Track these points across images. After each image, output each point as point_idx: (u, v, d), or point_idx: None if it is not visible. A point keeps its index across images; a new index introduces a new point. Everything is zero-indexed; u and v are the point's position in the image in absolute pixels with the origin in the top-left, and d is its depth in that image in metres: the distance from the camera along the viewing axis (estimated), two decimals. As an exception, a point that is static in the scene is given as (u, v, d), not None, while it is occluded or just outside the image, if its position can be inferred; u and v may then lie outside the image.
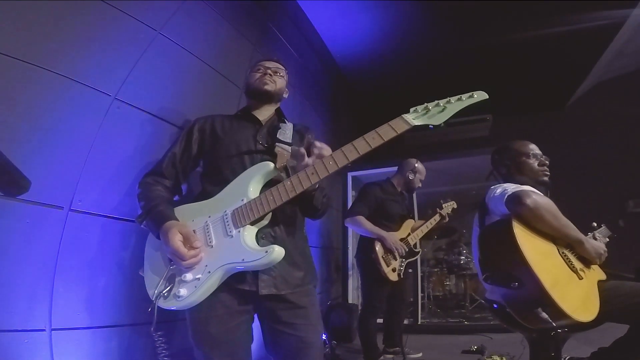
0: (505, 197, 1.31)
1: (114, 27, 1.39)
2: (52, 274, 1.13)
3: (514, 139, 1.64)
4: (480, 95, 0.97)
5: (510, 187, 1.35)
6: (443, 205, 2.78)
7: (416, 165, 2.65)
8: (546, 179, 1.54)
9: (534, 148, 1.58)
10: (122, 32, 1.42)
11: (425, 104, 0.98)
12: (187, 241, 1.02)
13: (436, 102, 0.98)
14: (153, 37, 1.54)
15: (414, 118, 0.97)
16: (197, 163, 1.31)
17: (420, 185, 2.74)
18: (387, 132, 0.95)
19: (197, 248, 1.03)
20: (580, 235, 1.34)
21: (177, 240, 1.00)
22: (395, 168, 2.78)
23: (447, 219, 2.71)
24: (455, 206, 2.82)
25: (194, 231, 1.08)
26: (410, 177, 2.63)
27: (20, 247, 1.07)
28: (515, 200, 1.28)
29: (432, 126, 0.97)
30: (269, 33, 2.62)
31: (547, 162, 1.56)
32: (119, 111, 1.37)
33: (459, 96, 0.97)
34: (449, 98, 0.97)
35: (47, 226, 1.14)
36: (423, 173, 2.71)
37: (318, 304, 1.22)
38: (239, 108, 1.95)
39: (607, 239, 1.67)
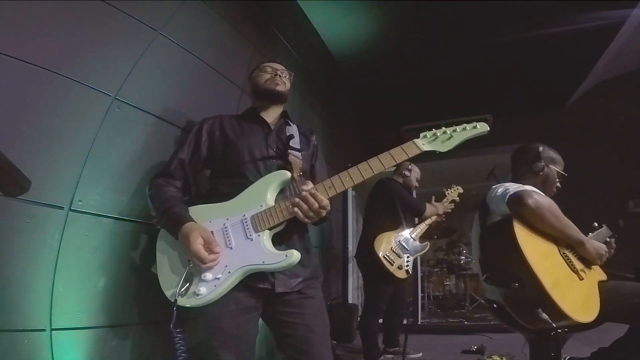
0: (507, 197, 1.31)
1: (114, 27, 1.39)
2: (52, 274, 1.13)
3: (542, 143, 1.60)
4: (482, 127, 1.11)
5: (512, 187, 1.35)
6: (447, 193, 2.84)
7: (410, 165, 2.80)
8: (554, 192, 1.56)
9: (562, 162, 1.59)
10: (122, 32, 1.42)
11: (434, 130, 1.10)
12: (208, 245, 1.07)
13: (443, 129, 1.10)
14: (153, 37, 1.54)
15: (423, 144, 1.09)
16: (206, 164, 1.32)
17: (417, 184, 2.89)
18: (399, 154, 1.08)
19: (217, 253, 1.07)
20: (581, 236, 1.34)
21: (198, 244, 1.05)
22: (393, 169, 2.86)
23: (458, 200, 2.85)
24: (461, 190, 2.87)
25: (212, 232, 1.12)
26: (407, 174, 2.78)
27: (20, 247, 1.07)
28: (517, 200, 1.28)
29: (438, 152, 1.10)
30: (269, 33, 2.62)
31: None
32: (119, 111, 1.37)
33: (463, 125, 1.10)
34: (454, 127, 1.10)
35: (47, 226, 1.13)
36: (417, 172, 2.88)
37: (323, 298, 1.27)
38: (239, 108, 1.96)
39: (608, 239, 1.67)
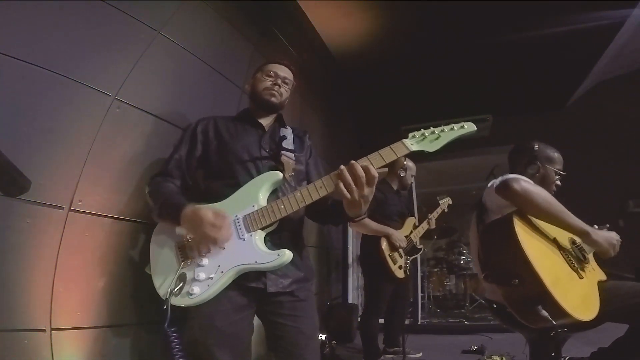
0: (495, 185, 1.32)
1: (114, 27, 1.39)
2: (52, 274, 1.13)
3: (537, 141, 1.57)
4: (469, 127, 1.08)
5: (500, 177, 1.36)
6: (440, 202, 2.95)
7: (405, 162, 2.72)
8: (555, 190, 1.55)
9: (560, 160, 1.56)
10: (122, 32, 1.42)
11: (422, 130, 1.09)
12: (217, 215, 1.07)
13: (431, 129, 1.09)
14: (153, 37, 1.54)
15: (412, 144, 1.07)
16: (201, 164, 1.32)
17: (412, 181, 2.85)
18: (388, 154, 1.05)
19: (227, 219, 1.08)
20: (585, 226, 1.30)
21: (210, 213, 1.05)
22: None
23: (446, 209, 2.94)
24: (450, 202, 2.99)
25: None
26: (402, 174, 2.71)
27: (20, 247, 1.07)
28: (504, 186, 1.29)
29: (427, 152, 1.08)
30: (269, 33, 2.62)
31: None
32: (119, 111, 1.37)
33: (451, 125, 1.09)
34: (442, 127, 1.08)
35: (47, 226, 1.14)
36: (413, 169, 2.81)
37: (314, 300, 1.28)
38: (238, 108, 1.97)
39: None
